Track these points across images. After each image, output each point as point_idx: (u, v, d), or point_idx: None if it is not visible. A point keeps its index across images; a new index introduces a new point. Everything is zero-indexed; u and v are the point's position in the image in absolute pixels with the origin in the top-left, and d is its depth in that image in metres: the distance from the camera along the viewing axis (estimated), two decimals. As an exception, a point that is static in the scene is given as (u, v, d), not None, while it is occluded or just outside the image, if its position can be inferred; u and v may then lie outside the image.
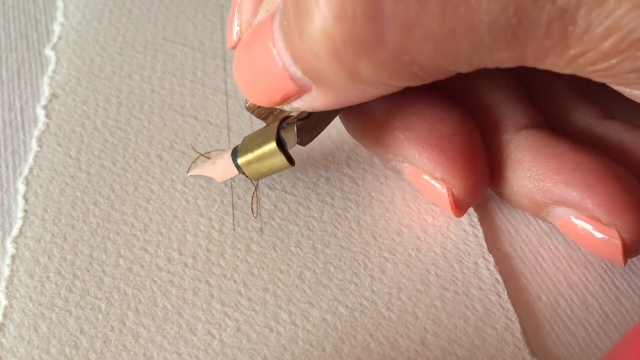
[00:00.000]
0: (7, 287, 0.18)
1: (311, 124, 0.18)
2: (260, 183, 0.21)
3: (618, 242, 0.18)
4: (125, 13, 0.26)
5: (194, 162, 0.22)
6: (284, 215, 0.20)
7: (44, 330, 0.17)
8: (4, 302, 0.18)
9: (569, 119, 0.20)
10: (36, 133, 0.22)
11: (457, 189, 0.19)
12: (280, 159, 0.18)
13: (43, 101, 0.23)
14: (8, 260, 0.19)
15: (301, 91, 0.16)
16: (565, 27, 0.13)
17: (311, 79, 0.15)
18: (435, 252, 0.20)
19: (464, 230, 0.21)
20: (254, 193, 0.21)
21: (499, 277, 0.19)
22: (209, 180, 0.21)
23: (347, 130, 0.20)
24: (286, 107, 0.17)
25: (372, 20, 0.13)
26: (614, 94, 0.16)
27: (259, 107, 0.18)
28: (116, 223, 0.20)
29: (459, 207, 0.19)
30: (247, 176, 0.19)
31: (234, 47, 0.18)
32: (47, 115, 0.22)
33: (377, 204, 0.21)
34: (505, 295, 0.19)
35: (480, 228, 0.21)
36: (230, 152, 0.20)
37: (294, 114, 0.18)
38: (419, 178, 0.19)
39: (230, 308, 0.18)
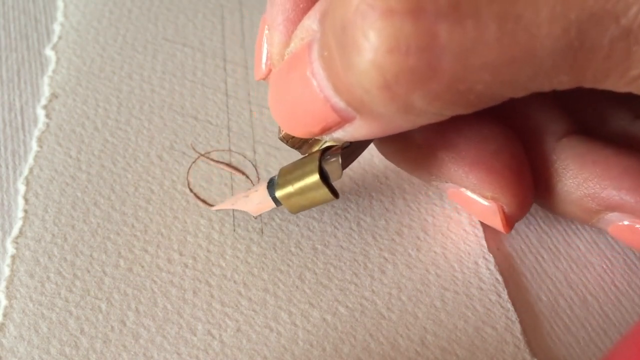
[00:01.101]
0: (7, 287, 0.18)
1: (350, 152, 0.18)
2: (260, 183, 0.21)
3: None
4: (125, 13, 0.26)
5: (194, 162, 0.22)
6: (284, 216, 0.20)
7: (44, 330, 0.17)
8: (4, 302, 0.18)
9: (601, 122, 0.20)
10: (36, 133, 0.22)
11: (508, 206, 0.18)
12: (324, 192, 0.17)
13: (43, 101, 0.23)
14: (8, 260, 0.19)
15: (343, 122, 0.15)
16: (629, 47, 0.12)
17: (355, 109, 0.15)
18: (435, 252, 0.20)
19: (464, 230, 0.21)
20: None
21: (499, 277, 0.20)
22: (209, 180, 0.21)
23: (384, 155, 0.20)
24: (325, 138, 0.16)
25: (427, 52, 0.12)
26: None
27: (293, 137, 0.17)
28: (116, 223, 0.20)
29: (510, 224, 0.19)
30: (281, 208, 0.18)
31: (263, 78, 0.18)
32: (47, 115, 0.22)
33: (377, 204, 0.21)
34: (505, 295, 0.19)
35: (480, 228, 0.21)
36: (265, 184, 0.19)
37: (334, 143, 0.17)
38: (464, 197, 0.19)
39: (230, 308, 0.18)
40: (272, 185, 0.18)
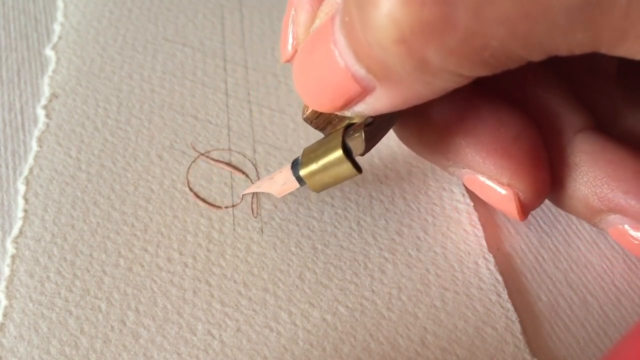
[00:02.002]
0: (7, 287, 0.18)
1: (373, 132, 0.18)
2: (260, 183, 0.21)
3: None
4: (125, 13, 0.26)
5: (193, 161, 0.22)
6: (284, 215, 0.20)
7: (44, 330, 0.17)
8: (4, 302, 0.18)
9: (615, 119, 0.20)
10: (36, 133, 0.22)
11: (524, 193, 0.18)
12: (347, 167, 0.17)
13: (43, 101, 0.23)
14: (8, 260, 0.19)
15: (364, 92, 0.15)
16: None
17: (375, 75, 0.15)
18: (435, 252, 0.20)
19: (464, 230, 0.21)
20: (254, 193, 0.21)
21: (499, 277, 0.19)
22: (209, 180, 0.21)
23: (402, 139, 0.20)
24: (347, 113, 0.16)
25: (441, 3, 0.13)
26: None
27: (317, 117, 0.18)
28: (116, 223, 0.20)
29: (525, 212, 0.19)
30: (308, 189, 0.18)
31: (289, 61, 0.18)
32: (47, 115, 0.22)
33: (377, 204, 0.21)
34: (505, 295, 0.19)
35: (480, 228, 0.21)
36: (289, 165, 0.19)
37: (356, 120, 0.17)
38: (480, 184, 0.19)
39: (230, 308, 0.18)
40: (296, 166, 0.19)
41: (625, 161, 0.18)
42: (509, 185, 0.18)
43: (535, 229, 0.21)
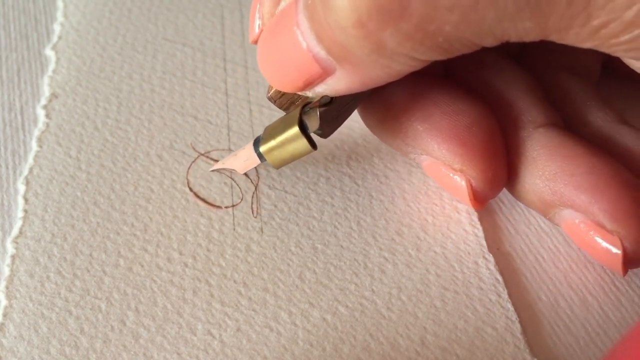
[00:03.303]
0: (7, 287, 0.18)
1: (333, 113, 0.18)
2: (260, 183, 0.21)
3: (619, 251, 0.17)
4: (125, 13, 0.26)
5: (193, 161, 0.22)
6: (284, 215, 0.20)
7: (44, 330, 0.17)
8: (4, 302, 0.18)
9: (583, 120, 0.20)
10: (36, 133, 0.22)
11: (476, 180, 0.19)
12: (303, 142, 0.18)
13: (43, 101, 0.23)
14: (8, 260, 0.19)
15: (325, 73, 0.16)
16: None
17: (335, 57, 0.15)
18: (435, 252, 0.20)
19: (464, 230, 0.21)
20: (254, 193, 0.21)
21: (499, 277, 0.19)
22: (209, 180, 0.21)
23: (366, 123, 0.20)
24: (309, 93, 0.17)
25: None
26: (629, 100, 0.16)
27: (281, 96, 0.18)
28: (116, 223, 0.20)
29: (478, 200, 0.19)
30: (267, 165, 0.19)
31: (256, 41, 0.18)
32: (47, 115, 0.22)
33: (377, 204, 0.21)
34: (505, 295, 0.19)
35: (480, 228, 0.21)
36: (252, 142, 0.20)
37: (315, 99, 0.18)
38: (437, 170, 0.19)
39: (230, 308, 0.18)
40: (257, 143, 0.20)
41: (580, 157, 0.18)
42: (461, 171, 0.19)
43: (535, 229, 0.21)
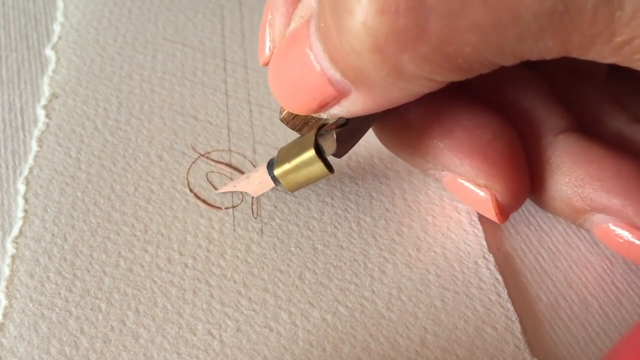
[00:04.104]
0: (7, 287, 0.18)
1: (348, 133, 0.18)
2: (260, 183, 0.21)
3: None
4: (125, 13, 0.26)
5: (194, 162, 0.22)
6: (284, 216, 0.20)
7: (44, 330, 0.17)
8: (4, 302, 0.18)
9: (599, 121, 0.20)
10: (36, 133, 0.22)
11: (501, 195, 0.18)
12: (319, 166, 0.18)
13: (43, 101, 0.23)
14: (8, 260, 0.19)
15: (340, 95, 0.16)
16: (612, 12, 0.13)
17: (350, 80, 0.15)
18: (435, 252, 0.20)
19: (464, 230, 0.21)
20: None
21: (499, 277, 0.19)
22: (209, 180, 0.21)
23: (382, 141, 0.20)
24: (323, 115, 0.17)
25: (415, 12, 0.13)
26: (635, 96, 0.16)
27: (294, 118, 0.18)
28: (116, 223, 0.20)
29: (503, 213, 0.19)
30: (282, 188, 0.19)
31: (267, 64, 0.18)
32: (47, 115, 0.22)
33: (377, 204, 0.21)
34: (505, 295, 0.19)
35: (480, 228, 0.21)
36: (265, 165, 0.19)
37: (331, 121, 0.18)
38: (459, 186, 0.19)
39: (230, 308, 0.18)
40: (271, 165, 0.19)
41: (606, 160, 0.18)
42: (486, 186, 0.18)
43: (535, 229, 0.21)
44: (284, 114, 0.18)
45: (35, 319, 0.17)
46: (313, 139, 0.18)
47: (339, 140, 0.17)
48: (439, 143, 0.19)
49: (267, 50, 0.18)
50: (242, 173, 0.21)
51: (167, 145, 0.22)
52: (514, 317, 0.19)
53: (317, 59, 0.15)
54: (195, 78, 0.24)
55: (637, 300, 0.19)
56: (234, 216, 0.20)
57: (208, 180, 0.21)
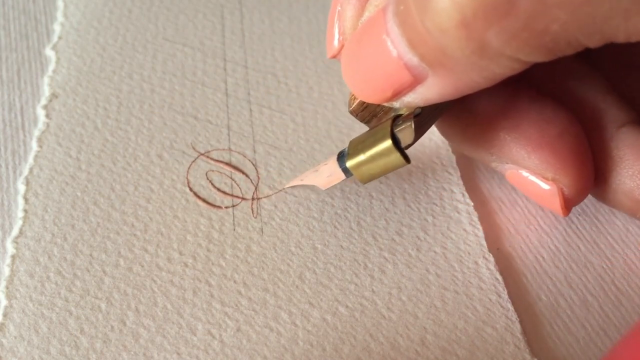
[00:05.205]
0: (7, 287, 0.18)
1: (419, 123, 0.18)
2: (260, 183, 0.21)
3: None
4: (125, 13, 0.26)
5: (193, 161, 0.22)
6: (284, 215, 0.20)
7: (44, 330, 0.17)
8: (4, 302, 0.18)
9: None
10: (36, 133, 0.22)
11: (568, 188, 0.19)
12: (396, 157, 0.18)
13: (43, 101, 0.23)
14: (8, 260, 0.19)
15: (415, 82, 0.15)
16: None
17: (429, 63, 0.15)
18: (435, 252, 0.20)
19: (464, 230, 0.21)
20: (254, 193, 0.21)
21: (499, 277, 0.19)
22: (209, 180, 0.21)
23: (444, 132, 0.20)
24: (395, 104, 0.17)
25: None
26: None
27: (363, 109, 0.18)
28: (116, 223, 0.20)
29: (568, 207, 0.19)
30: (354, 180, 0.19)
31: (335, 56, 0.18)
32: (47, 115, 0.22)
33: (377, 204, 0.21)
34: (505, 295, 0.19)
35: (480, 228, 0.21)
36: (335, 157, 0.19)
37: (403, 112, 0.18)
38: (523, 179, 0.19)
39: (230, 308, 0.18)
40: (342, 157, 0.19)
41: None
42: (553, 180, 0.19)
43: (535, 228, 0.21)
44: (353, 105, 0.18)
45: (35, 319, 0.17)
46: (389, 129, 0.18)
47: (415, 130, 0.17)
48: (506, 136, 0.19)
49: (335, 42, 0.18)
50: (242, 172, 0.21)
51: (167, 145, 0.22)
52: (514, 317, 0.19)
53: (394, 44, 0.15)
54: (195, 78, 0.24)
55: (637, 300, 0.19)
56: (234, 215, 0.20)
57: (208, 179, 0.21)
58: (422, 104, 0.16)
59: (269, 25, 0.26)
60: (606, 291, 0.20)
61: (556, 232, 0.21)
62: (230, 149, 0.22)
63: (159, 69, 0.24)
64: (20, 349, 0.17)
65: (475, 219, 0.21)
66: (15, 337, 0.17)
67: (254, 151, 0.22)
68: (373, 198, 0.21)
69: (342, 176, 0.19)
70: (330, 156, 0.20)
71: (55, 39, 0.25)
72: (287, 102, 0.24)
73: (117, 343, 0.17)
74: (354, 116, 0.18)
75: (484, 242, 0.20)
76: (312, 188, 0.21)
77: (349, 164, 0.18)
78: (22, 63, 0.24)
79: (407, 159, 0.18)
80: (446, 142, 0.23)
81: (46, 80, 0.23)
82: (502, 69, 0.15)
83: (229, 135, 0.22)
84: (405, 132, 0.17)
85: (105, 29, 0.25)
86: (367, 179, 0.19)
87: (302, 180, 0.20)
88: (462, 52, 0.14)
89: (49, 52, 0.24)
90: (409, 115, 0.17)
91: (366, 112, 0.18)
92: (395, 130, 0.18)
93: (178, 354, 0.17)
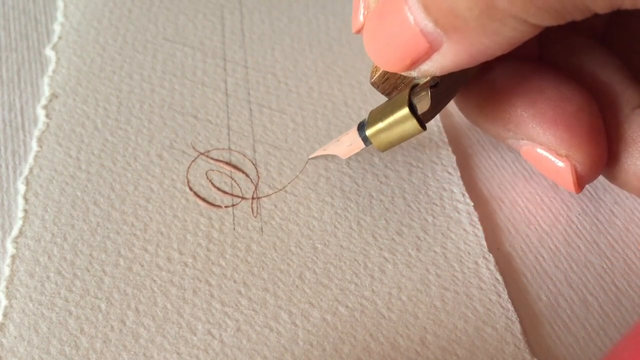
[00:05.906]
0: (7, 287, 0.18)
1: (436, 95, 0.18)
2: (260, 182, 0.21)
3: None
4: (125, 13, 0.26)
5: (193, 161, 0.22)
6: (284, 215, 0.20)
7: (44, 330, 0.17)
8: (4, 302, 0.18)
9: None
10: (36, 133, 0.22)
11: (582, 165, 0.19)
12: (412, 123, 0.18)
13: (43, 101, 0.23)
14: (8, 260, 0.19)
15: (431, 49, 0.16)
16: None
17: (443, 28, 0.15)
18: (435, 252, 0.20)
19: (464, 230, 0.21)
20: (254, 192, 0.21)
21: (499, 277, 0.19)
22: (209, 179, 0.21)
23: (461, 108, 0.21)
24: (414, 73, 0.17)
25: None
26: None
27: (384, 81, 0.19)
28: (116, 222, 0.20)
29: (581, 184, 0.19)
30: (371, 148, 0.19)
31: (359, 31, 0.18)
32: (47, 115, 0.22)
33: (377, 204, 0.21)
34: (505, 295, 0.19)
35: (480, 228, 0.21)
36: (356, 127, 0.20)
37: (421, 82, 0.18)
38: (537, 156, 0.20)
39: (230, 308, 0.18)
40: (362, 127, 0.20)
41: None
42: (567, 156, 0.19)
43: (535, 228, 0.21)
44: (375, 77, 0.19)
45: (35, 319, 0.17)
46: (407, 97, 0.18)
47: (432, 98, 0.18)
48: (523, 112, 0.19)
49: (360, 17, 0.18)
50: (242, 172, 0.21)
51: (167, 144, 0.22)
52: (514, 317, 0.19)
53: (411, 10, 0.15)
54: (195, 78, 0.24)
55: (637, 300, 0.19)
56: (234, 215, 0.20)
57: (208, 179, 0.21)
58: (439, 72, 0.17)
59: (269, 25, 0.26)
60: (606, 291, 0.20)
61: (556, 232, 0.21)
62: (230, 149, 0.22)
63: (159, 69, 0.24)
64: (20, 349, 0.17)
65: (475, 219, 0.21)
66: (15, 337, 0.17)
67: (254, 151, 0.22)
68: (373, 198, 0.21)
69: (362, 145, 0.20)
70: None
71: (55, 39, 0.25)
72: (287, 102, 0.24)
73: (117, 343, 0.17)
74: (375, 88, 0.19)
75: (484, 242, 0.20)
76: (312, 187, 0.21)
77: (368, 132, 0.19)
78: (22, 63, 0.24)
79: (423, 125, 0.18)
80: (446, 142, 0.23)
81: (46, 80, 0.23)
82: (511, 32, 0.15)
83: (228, 134, 0.22)
84: (422, 100, 0.18)
85: (105, 29, 0.25)
86: (385, 147, 0.19)
87: (324, 150, 0.21)
88: (470, 13, 0.14)
89: (49, 52, 0.24)
90: (425, 84, 0.18)
91: (387, 84, 0.19)
92: (413, 98, 0.18)
93: (178, 354, 0.17)
